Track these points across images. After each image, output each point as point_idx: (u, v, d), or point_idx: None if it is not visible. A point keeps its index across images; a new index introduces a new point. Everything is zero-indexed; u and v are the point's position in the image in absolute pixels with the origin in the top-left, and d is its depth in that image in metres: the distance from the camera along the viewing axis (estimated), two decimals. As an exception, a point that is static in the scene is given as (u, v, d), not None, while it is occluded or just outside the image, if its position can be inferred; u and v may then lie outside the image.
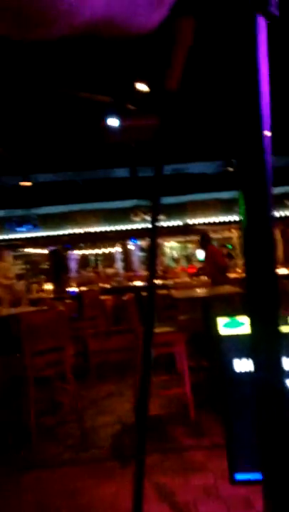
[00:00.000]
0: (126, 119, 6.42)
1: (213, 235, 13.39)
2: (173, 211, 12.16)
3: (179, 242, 14.09)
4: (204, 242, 6.53)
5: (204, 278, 7.43)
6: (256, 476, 1.22)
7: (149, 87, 5.99)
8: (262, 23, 0.44)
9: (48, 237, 12.09)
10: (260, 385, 0.40)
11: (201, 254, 12.49)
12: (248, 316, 0.40)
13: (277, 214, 11.87)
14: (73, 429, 3.32)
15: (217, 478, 2.40)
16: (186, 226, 12.29)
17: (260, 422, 0.41)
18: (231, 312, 1.30)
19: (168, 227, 12.22)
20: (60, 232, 12.08)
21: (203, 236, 6.63)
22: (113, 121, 6.56)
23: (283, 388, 0.40)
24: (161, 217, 12.03)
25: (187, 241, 13.57)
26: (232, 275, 7.53)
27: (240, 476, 1.25)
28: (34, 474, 2.70)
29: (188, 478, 2.43)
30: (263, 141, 0.43)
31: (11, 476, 2.69)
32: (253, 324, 0.40)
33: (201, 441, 2.89)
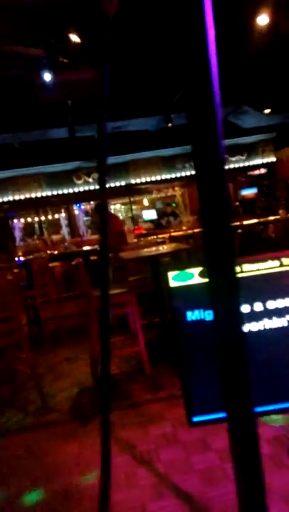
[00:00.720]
0: (60, 74, 6.05)
1: (157, 195, 13.47)
2: (116, 171, 11.96)
3: (123, 203, 14.01)
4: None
5: (152, 238, 7.51)
6: (210, 416, 1.32)
7: (82, 38, 5.64)
8: None
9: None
10: (220, 330, 0.42)
11: (147, 214, 12.55)
12: (206, 266, 0.41)
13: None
14: (32, 396, 3.34)
15: (175, 426, 2.54)
16: (130, 186, 12.19)
17: (222, 365, 0.43)
18: (179, 267, 1.34)
19: (111, 187, 12.04)
20: (1, 200, 11.52)
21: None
22: (46, 77, 6.16)
23: (241, 332, 0.42)
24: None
25: (132, 202, 13.52)
26: (178, 233, 7.68)
27: (196, 419, 1.34)
28: (-4, 444, 2.70)
29: (148, 430, 2.56)
30: (212, 90, 0.41)
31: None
32: (211, 274, 0.41)
33: (157, 394, 3.02)
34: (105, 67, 0.52)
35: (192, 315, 1.32)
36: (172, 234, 7.77)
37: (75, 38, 5.70)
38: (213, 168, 0.39)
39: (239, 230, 5.84)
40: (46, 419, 2.92)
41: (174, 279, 1.33)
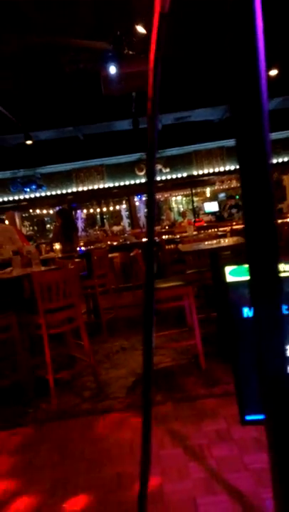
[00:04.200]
0: (125, 66, 6.09)
1: (219, 186, 13.17)
2: (178, 162, 11.88)
3: (185, 195, 13.90)
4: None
5: (212, 231, 7.38)
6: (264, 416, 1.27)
7: (147, 29, 5.62)
8: None
9: (52, 196, 12.01)
10: (260, 330, 0.40)
11: (209, 207, 12.33)
12: (248, 263, 0.38)
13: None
14: (89, 382, 3.45)
15: (229, 423, 2.50)
16: (192, 177, 12.04)
17: (259, 366, 0.41)
18: (238, 261, 1.29)
19: (173, 179, 11.99)
20: (65, 191, 11.97)
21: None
22: (112, 70, 6.23)
23: (282, 332, 0.40)
24: (167, 169, 11.83)
25: (194, 193, 13.37)
26: (240, 226, 7.47)
27: (249, 417, 1.30)
28: (55, 424, 2.83)
29: (201, 425, 2.53)
30: (259, 83, 0.38)
31: (34, 427, 2.82)
32: (252, 272, 0.38)
33: (212, 389, 2.98)
34: (158, 64, 0.51)
35: (248, 311, 1.28)
36: (234, 227, 7.57)
37: (140, 29, 5.70)
38: (257, 162, 0.36)
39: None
40: (102, 406, 3.00)
41: (231, 273, 1.28)
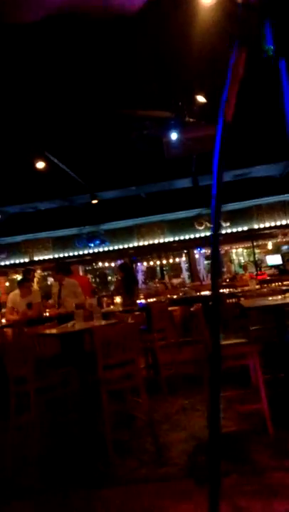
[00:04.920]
0: (186, 132, 6.42)
1: (282, 239, 12.82)
2: (238, 216, 11.86)
3: (246, 247, 13.68)
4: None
5: (276, 285, 7.09)
6: None
7: (206, 97, 5.92)
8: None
9: (115, 250, 12.42)
10: None
11: (271, 259, 11.97)
12: None
13: None
14: (147, 444, 3.29)
15: (303, 503, 2.22)
16: (253, 231, 11.91)
17: None
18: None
19: (233, 233, 11.92)
20: (126, 246, 12.34)
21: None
22: (173, 135, 6.58)
23: None
24: (227, 223, 11.83)
25: (255, 246, 13.13)
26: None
27: None
28: (112, 490, 2.70)
29: (272, 503, 2.27)
30: None
31: (89, 491, 2.71)
32: None
33: (283, 461, 2.70)
34: (221, 167, 0.52)
35: None
36: (299, 281, 7.22)
37: (201, 99, 6.03)
38: None
39: None
40: (161, 472, 2.83)
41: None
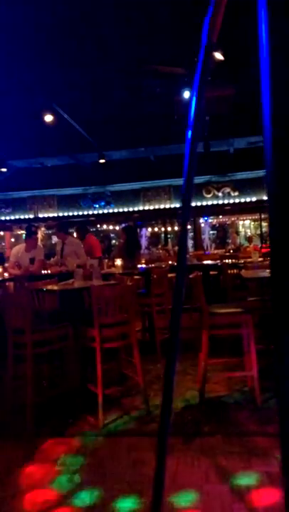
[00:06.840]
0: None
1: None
2: (247, 186, 11.67)
3: (253, 219, 13.54)
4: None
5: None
6: None
7: (224, 55, 5.65)
8: None
9: (120, 213, 12.34)
10: None
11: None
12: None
13: None
14: (137, 402, 3.39)
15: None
16: (262, 202, 11.73)
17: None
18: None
19: (241, 203, 11.77)
20: (132, 209, 12.24)
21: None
22: (186, 94, 6.34)
23: None
24: (235, 192, 11.66)
25: (263, 219, 12.99)
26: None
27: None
28: (100, 441, 2.81)
29: (251, 464, 2.36)
30: None
31: (79, 439, 2.82)
32: None
33: (265, 428, 2.78)
34: (202, 89, 0.49)
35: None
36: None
37: (218, 55, 5.73)
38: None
39: None
40: (148, 428, 2.93)
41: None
